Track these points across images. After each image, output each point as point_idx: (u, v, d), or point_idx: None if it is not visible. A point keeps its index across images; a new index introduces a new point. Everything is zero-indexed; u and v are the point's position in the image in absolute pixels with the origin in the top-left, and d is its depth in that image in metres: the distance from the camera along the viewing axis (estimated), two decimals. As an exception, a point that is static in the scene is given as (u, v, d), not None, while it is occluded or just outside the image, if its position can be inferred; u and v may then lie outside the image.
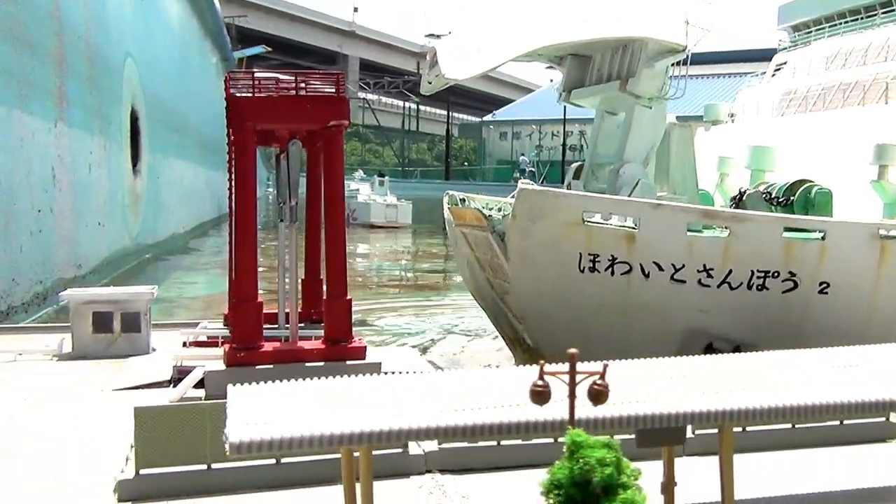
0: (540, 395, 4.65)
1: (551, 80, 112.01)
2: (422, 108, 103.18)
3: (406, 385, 6.38)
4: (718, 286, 10.55)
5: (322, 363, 10.25)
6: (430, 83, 12.83)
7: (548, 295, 10.98)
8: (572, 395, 4.64)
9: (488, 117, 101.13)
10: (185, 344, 12.41)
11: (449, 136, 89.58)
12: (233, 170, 12.98)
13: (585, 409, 4.81)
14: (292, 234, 10.95)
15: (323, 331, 12.07)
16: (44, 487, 7.13)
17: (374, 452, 7.58)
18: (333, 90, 10.57)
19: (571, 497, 4.34)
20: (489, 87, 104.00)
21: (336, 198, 10.84)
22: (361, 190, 60.55)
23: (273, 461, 7.29)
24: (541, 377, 4.65)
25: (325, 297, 10.82)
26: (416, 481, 7.39)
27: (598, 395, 4.68)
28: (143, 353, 12.27)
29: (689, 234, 10.69)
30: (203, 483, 7.09)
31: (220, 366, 10.25)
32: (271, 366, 10.11)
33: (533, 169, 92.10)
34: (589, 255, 10.74)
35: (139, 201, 30.20)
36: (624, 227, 10.88)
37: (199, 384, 10.21)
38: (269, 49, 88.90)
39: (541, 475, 7.67)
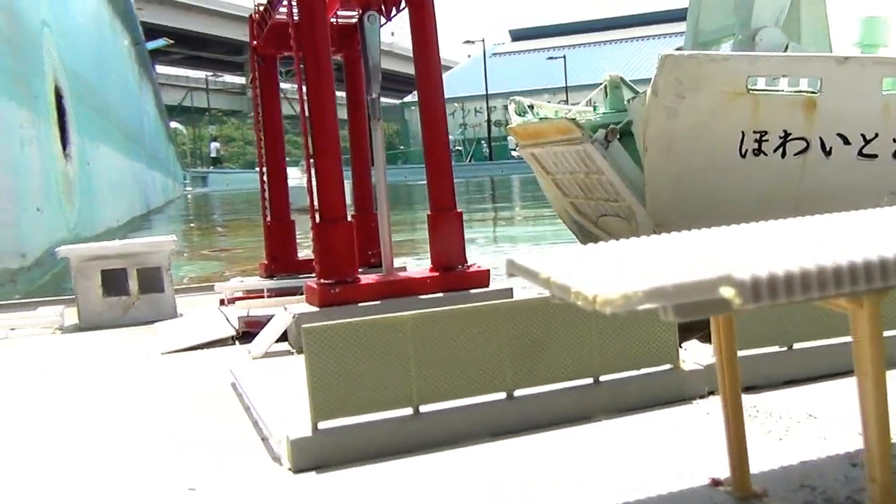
0: None
1: (469, 56, 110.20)
2: (339, 93, 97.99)
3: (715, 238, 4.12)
4: (919, 158, 8.61)
5: (441, 295, 7.89)
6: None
7: (695, 193, 8.79)
8: None
9: (409, 98, 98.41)
10: (222, 301, 9.85)
11: (370, 121, 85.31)
12: (262, 79, 10.52)
13: None
14: (378, 133, 8.54)
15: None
16: (185, 464, 4.64)
17: (631, 374, 5.38)
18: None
19: None
20: (406, 67, 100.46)
21: (433, 88, 8.45)
22: (291, 174, 57.31)
23: (504, 394, 4.94)
24: None
25: (428, 213, 8.43)
26: (706, 405, 5.15)
27: None
28: (169, 317, 9.62)
29: (885, 93, 8.71)
30: (408, 434, 4.70)
31: (308, 308, 7.77)
32: (377, 302, 7.70)
33: (459, 148, 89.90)
34: (754, 133, 8.63)
35: (72, 188, 26.71)
36: (801, 92, 8.83)
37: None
38: (171, 42, 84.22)
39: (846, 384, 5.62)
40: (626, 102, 9.74)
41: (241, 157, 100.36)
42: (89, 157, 30.47)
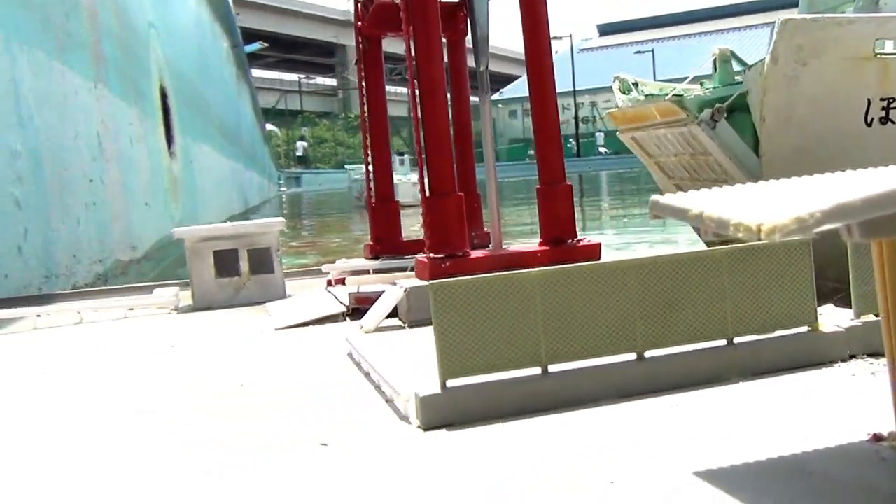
0: None
1: (556, 52, 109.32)
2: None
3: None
4: None
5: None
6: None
7: (817, 165, 8.33)
8: None
9: (496, 96, 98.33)
10: (329, 283, 9.93)
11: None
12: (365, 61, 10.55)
13: None
14: (486, 107, 8.45)
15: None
16: (314, 422, 4.68)
17: (767, 336, 5.13)
18: None
19: None
20: (492, 65, 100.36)
21: (543, 62, 8.33)
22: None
23: (633, 355, 4.78)
24: None
25: (538, 187, 8.31)
26: (849, 368, 4.88)
27: None
28: (278, 297, 9.75)
29: None
30: (537, 394, 4.59)
31: (418, 282, 7.75)
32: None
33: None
34: (881, 100, 8.19)
35: (177, 185, 27.59)
36: (933, 54, 8.34)
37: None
38: (266, 45, 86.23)
39: None
40: (744, 72, 9.38)
41: (332, 157, 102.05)
42: (192, 155, 31.44)
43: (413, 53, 7.84)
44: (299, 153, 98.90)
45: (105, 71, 19.39)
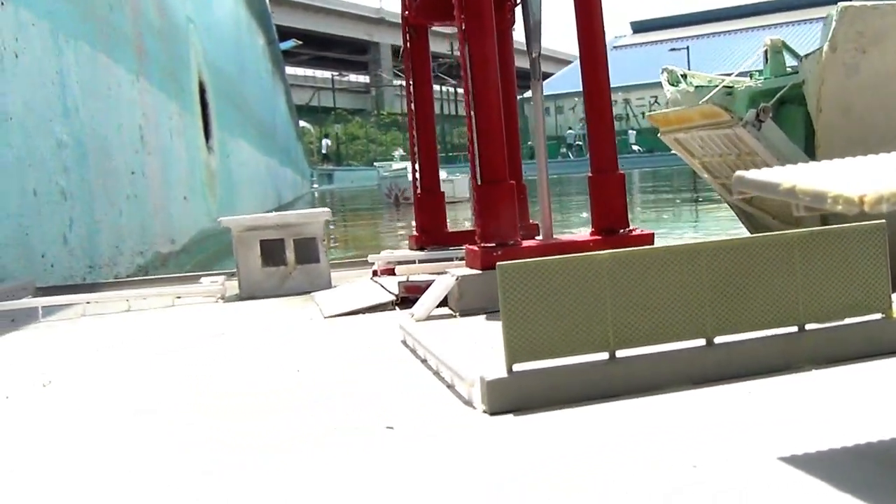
0: None
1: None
2: (459, 90, 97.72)
3: None
4: None
5: (604, 258, 7.63)
6: None
7: (875, 156, 8.16)
8: None
9: (528, 94, 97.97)
10: (375, 273, 9.89)
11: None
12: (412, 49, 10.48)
13: None
14: (537, 94, 8.36)
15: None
16: (378, 407, 4.64)
17: (839, 323, 4.99)
18: None
19: None
20: (524, 63, 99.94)
21: (596, 51, 8.19)
22: (409, 168, 57.19)
23: (703, 341, 4.66)
24: None
25: (588, 175, 8.22)
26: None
27: None
28: (324, 287, 9.71)
29: None
30: (605, 379, 4.49)
31: (469, 271, 7.68)
32: (539, 265, 7.50)
33: (580, 143, 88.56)
34: (944, 90, 8.02)
35: (215, 180, 27.78)
36: None
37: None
38: (300, 43, 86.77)
39: None
40: (799, 61, 9.18)
41: (364, 154, 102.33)
42: (229, 150, 31.65)
43: (465, 38, 7.77)
44: (324, 151, 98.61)
45: (147, 64, 19.56)
